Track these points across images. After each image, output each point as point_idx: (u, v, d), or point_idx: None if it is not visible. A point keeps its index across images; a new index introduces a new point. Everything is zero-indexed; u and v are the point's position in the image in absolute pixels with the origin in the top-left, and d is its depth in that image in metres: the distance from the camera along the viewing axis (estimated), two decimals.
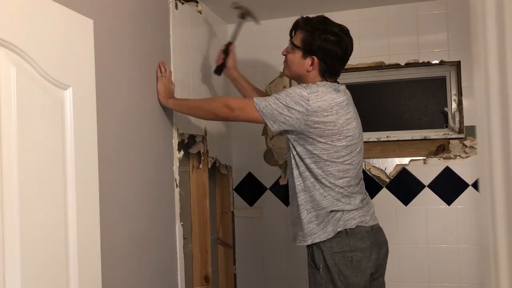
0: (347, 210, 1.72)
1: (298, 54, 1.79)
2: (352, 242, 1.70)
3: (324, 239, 1.71)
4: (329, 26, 1.76)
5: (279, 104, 1.69)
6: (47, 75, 1.12)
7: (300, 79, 1.83)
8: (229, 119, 1.84)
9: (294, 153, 1.76)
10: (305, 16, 1.83)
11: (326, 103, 1.67)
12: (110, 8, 1.53)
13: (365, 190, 1.87)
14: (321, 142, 1.69)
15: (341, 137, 1.70)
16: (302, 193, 1.75)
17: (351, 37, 1.79)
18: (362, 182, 1.86)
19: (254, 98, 1.74)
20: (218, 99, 1.89)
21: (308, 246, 1.78)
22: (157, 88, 1.84)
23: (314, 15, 1.84)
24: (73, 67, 1.22)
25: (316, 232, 1.72)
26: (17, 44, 1.03)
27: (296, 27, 1.83)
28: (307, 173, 1.74)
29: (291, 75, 1.87)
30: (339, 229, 1.70)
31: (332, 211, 1.71)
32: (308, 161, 1.73)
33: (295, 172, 1.77)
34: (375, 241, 1.75)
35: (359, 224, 1.72)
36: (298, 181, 1.76)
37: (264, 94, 2.22)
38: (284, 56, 1.86)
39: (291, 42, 1.82)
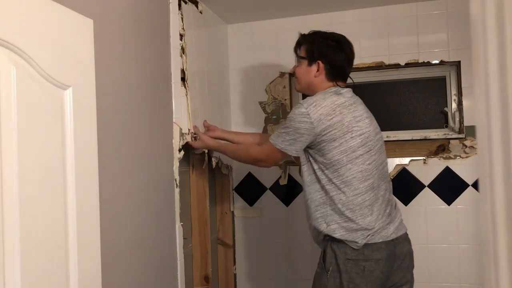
0: (372, 228, 1.70)
1: (304, 63, 1.87)
2: (367, 252, 1.69)
3: (341, 238, 1.71)
4: (327, 34, 1.87)
5: (289, 132, 1.76)
6: (47, 75, 1.12)
7: (310, 88, 1.88)
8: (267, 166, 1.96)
9: (316, 167, 1.77)
10: (302, 33, 1.93)
11: (327, 107, 1.71)
12: (110, 8, 1.53)
13: (393, 196, 1.87)
14: (336, 146, 1.71)
15: (354, 135, 1.71)
16: (323, 206, 1.76)
17: (349, 42, 1.88)
18: (390, 188, 1.85)
19: (270, 139, 1.84)
20: (247, 153, 1.97)
21: (323, 246, 1.78)
22: (197, 145, 2.08)
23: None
24: (73, 67, 1.22)
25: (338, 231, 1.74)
26: (17, 44, 1.03)
27: (299, 44, 1.92)
28: (330, 186, 1.74)
29: (301, 87, 1.93)
30: (361, 242, 1.70)
31: (357, 223, 1.70)
32: (328, 171, 1.74)
33: (317, 186, 1.78)
34: (392, 253, 1.72)
35: (380, 240, 1.71)
36: (319, 195, 1.77)
37: (256, 136, 2.29)
38: (294, 74, 1.94)
39: (296, 55, 1.92)
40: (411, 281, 1.81)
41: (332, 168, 1.73)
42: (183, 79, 2.05)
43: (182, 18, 2.06)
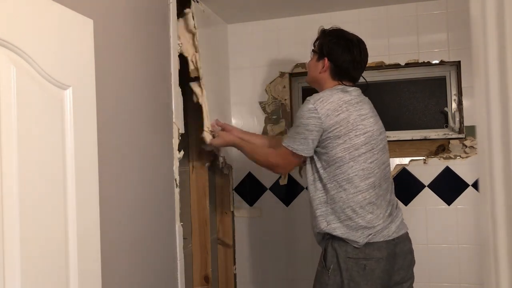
0: (372, 227, 1.71)
1: (314, 58, 1.91)
2: (368, 251, 1.70)
3: (341, 236, 1.72)
4: (342, 33, 1.87)
5: (299, 131, 1.76)
6: (47, 75, 1.12)
7: (316, 83, 1.92)
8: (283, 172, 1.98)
9: (319, 165, 1.78)
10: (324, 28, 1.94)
11: (334, 103, 1.73)
12: (110, 8, 1.53)
13: (395, 196, 1.87)
14: (340, 143, 1.72)
15: (358, 133, 1.73)
16: (324, 205, 1.77)
17: (364, 46, 1.87)
18: (392, 188, 1.86)
19: (283, 143, 1.83)
20: (265, 157, 1.93)
21: (324, 245, 1.79)
22: (217, 143, 2.09)
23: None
24: (73, 67, 1.22)
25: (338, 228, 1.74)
26: (17, 44, 1.03)
27: (318, 38, 1.94)
28: (331, 184, 1.75)
29: (309, 79, 1.98)
30: (363, 241, 1.71)
31: (357, 222, 1.71)
32: (330, 169, 1.74)
33: (319, 185, 1.79)
34: (392, 252, 1.74)
35: (382, 239, 1.72)
36: (321, 193, 1.78)
37: (271, 139, 2.29)
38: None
39: (313, 48, 1.93)
40: (412, 277, 1.83)
41: (334, 166, 1.73)
42: (197, 78, 2.05)
43: (193, 16, 2.06)
